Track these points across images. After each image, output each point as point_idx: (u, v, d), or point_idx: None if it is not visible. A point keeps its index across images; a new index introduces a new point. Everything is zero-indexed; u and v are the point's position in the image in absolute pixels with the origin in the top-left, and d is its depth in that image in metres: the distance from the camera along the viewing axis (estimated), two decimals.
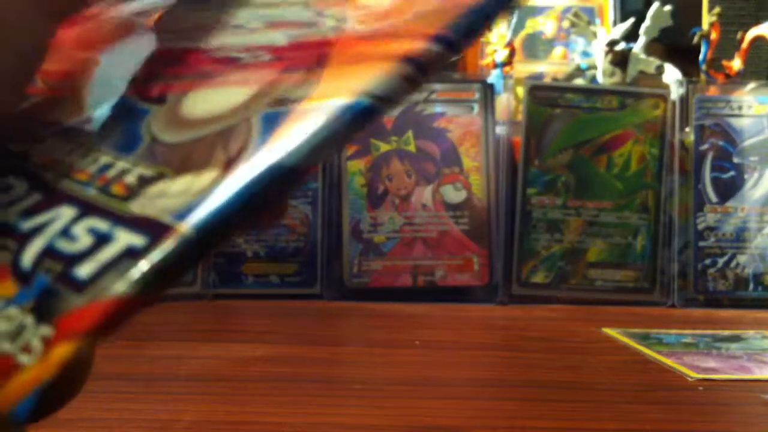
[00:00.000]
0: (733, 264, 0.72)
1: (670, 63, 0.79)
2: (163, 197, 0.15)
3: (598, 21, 0.93)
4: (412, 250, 0.71)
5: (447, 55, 0.15)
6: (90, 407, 0.37)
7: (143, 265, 0.13)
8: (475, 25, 0.15)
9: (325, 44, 0.16)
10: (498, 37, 0.83)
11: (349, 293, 0.71)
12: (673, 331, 0.60)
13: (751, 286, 0.72)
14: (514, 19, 0.93)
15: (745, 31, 0.79)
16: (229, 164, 0.14)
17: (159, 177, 0.15)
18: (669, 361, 0.50)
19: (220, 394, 0.43)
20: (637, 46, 0.78)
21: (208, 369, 0.47)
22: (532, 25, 0.95)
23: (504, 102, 0.75)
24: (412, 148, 0.72)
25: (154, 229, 0.14)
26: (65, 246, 0.15)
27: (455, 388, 0.45)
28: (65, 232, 0.15)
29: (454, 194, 0.72)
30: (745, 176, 0.73)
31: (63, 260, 0.14)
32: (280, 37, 0.17)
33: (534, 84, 0.75)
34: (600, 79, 0.79)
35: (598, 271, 0.72)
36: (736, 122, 0.73)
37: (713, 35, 0.79)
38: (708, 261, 0.72)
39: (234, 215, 0.14)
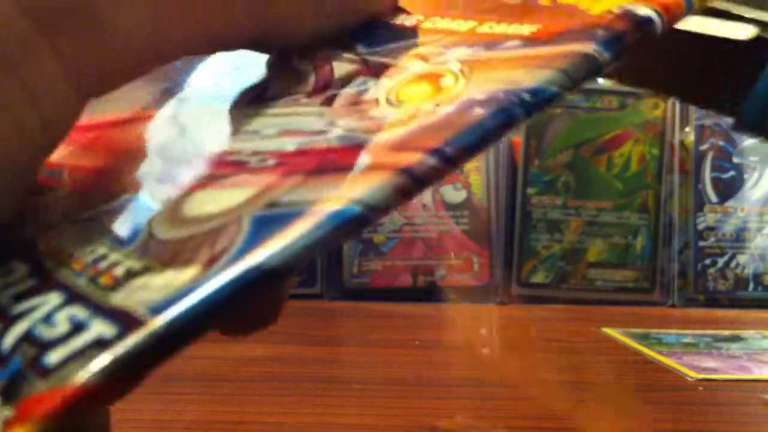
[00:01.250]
0: (733, 264, 0.72)
1: None
2: (144, 290, 0.15)
3: None
4: (412, 250, 0.72)
5: (443, 169, 0.15)
6: None
7: (106, 356, 0.13)
8: (474, 142, 0.15)
9: (328, 152, 0.17)
10: None
11: (349, 293, 0.71)
12: (673, 331, 0.60)
13: (751, 286, 0.72)
14: None
15: None
16: (211, 263, 0.14)
17: (145, 270, 0.15)
18: (669, 361, 0.50)
19: (220, 394, 0.43)
20: None
21: (208, 369, 0.47)
22: None
23: None
24: None
25: (126, 321, 0.14)
26: (44, 331, 0.15)
27: (455, 388, 0.45)
28: (48, 318, 0.15)
29: (454, 194, 0.72)
30: (745, 176, 0.73)
31: (38, 345, 0.14)
32: (289, 144, 0.17)
33: None
34: (600, 79, 0.79)
35: (598, 271, 0.72)
36: None
37: None
38: (708, 261, 0.72)
39: (208, 314, 0.14)
